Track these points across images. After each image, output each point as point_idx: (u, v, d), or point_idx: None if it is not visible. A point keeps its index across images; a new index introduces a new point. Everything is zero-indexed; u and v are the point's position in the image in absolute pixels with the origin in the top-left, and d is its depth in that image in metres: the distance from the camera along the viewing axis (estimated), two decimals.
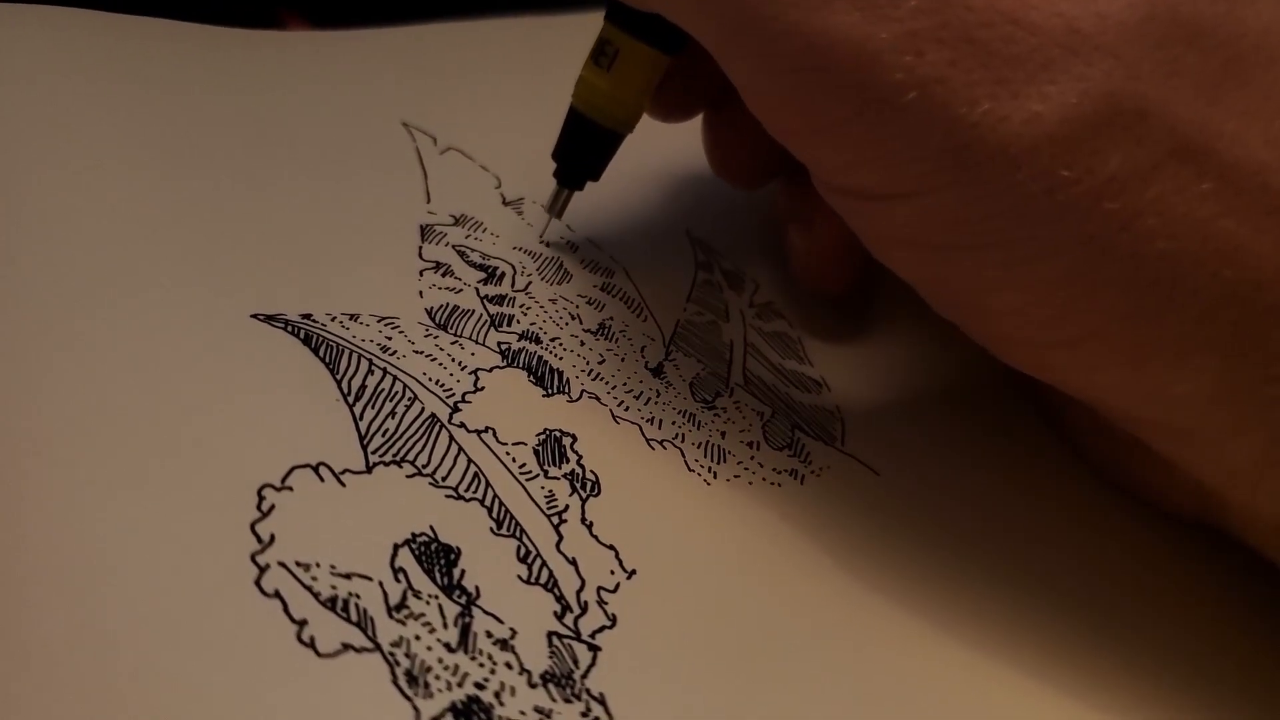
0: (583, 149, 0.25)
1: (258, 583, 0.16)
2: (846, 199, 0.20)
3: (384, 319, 0.21)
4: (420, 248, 0.24)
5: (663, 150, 0.30)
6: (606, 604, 0.18)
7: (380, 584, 0.17)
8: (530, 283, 0.24)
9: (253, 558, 0.17)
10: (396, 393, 0.20)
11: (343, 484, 0.18)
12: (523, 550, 0.18)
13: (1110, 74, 0.17)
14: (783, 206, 0.27)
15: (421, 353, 0.21)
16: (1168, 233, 0.18)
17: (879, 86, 0.18)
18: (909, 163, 0.18)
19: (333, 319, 0.21)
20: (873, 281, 0.29)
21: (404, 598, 0.17)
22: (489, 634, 0.17)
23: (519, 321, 0.23)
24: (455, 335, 0.22)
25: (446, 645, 0.17)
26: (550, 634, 0.17)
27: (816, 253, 0.26)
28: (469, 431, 0.20)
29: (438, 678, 0.16)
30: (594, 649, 0.18)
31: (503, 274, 0.24)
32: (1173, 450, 0.21)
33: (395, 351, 0.21)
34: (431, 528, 0.18)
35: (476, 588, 0.18)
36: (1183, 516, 0.24)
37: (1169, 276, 0.18)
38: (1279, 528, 0.21)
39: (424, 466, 0.19)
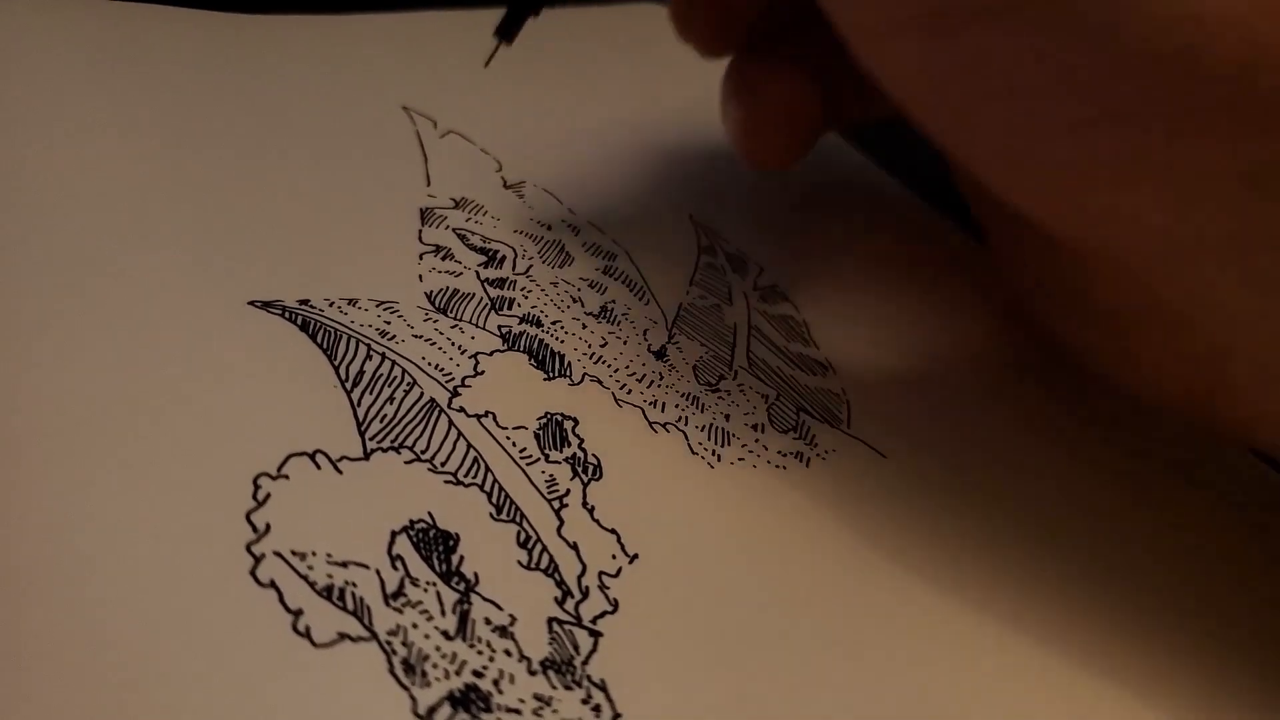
0: None
1: (253, 572, 0.16)
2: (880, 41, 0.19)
3: (383, 303, 0.21)
4: (420, 231, 0.23)
5: (665, 133, 0.30)
6: (608, 589, 0.18)
7: (377, 572, 0.17)
8: (531, 266, 0.24)
9: (248, 547, 0.16)
10: (395, 378, 0.20)
11: (339, 471, 0.18)
12: (523, 535, 0.18)
13: None
14: (726, 86, 0.26)
15: (421, 337, 0.21)
16: None
17: None
18: None
19: (331, 304, 0.21)
20: (880, 259, 0.29)
21: (401, 585, 0.17)
22: (488, 621, 0.17)
23: (520, 305, 0.23)
24: (455, 319, 0.22)
25: (444, 633, 0.16)
26: (550, 620, 0.17)
27: (757, 123, 0.25)
28: (469, 416, 0.20)
29: (435, 666, 0.16)
30: (595, 635, 0.17)
31: (503, 257, 0.24)
32: (1196, 274, 0.19)
33: (394, 336, 0.21)
34: (430, 514, 0.18)
35: (475, 574, 0.17)
36: (1166, 401, 0.23)
37: (1199, 37, 0.17)
38: None
39: (423, 452, 0.19)
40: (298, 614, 0.16)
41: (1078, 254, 0.22)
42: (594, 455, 0.20)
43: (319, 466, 0.18)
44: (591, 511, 0.19)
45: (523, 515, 0.19)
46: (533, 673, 0.16)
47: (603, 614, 0.18)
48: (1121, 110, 0.18)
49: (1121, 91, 0.18)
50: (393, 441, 0.19)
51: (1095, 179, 0.19)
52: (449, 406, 0.20)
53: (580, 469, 0.20)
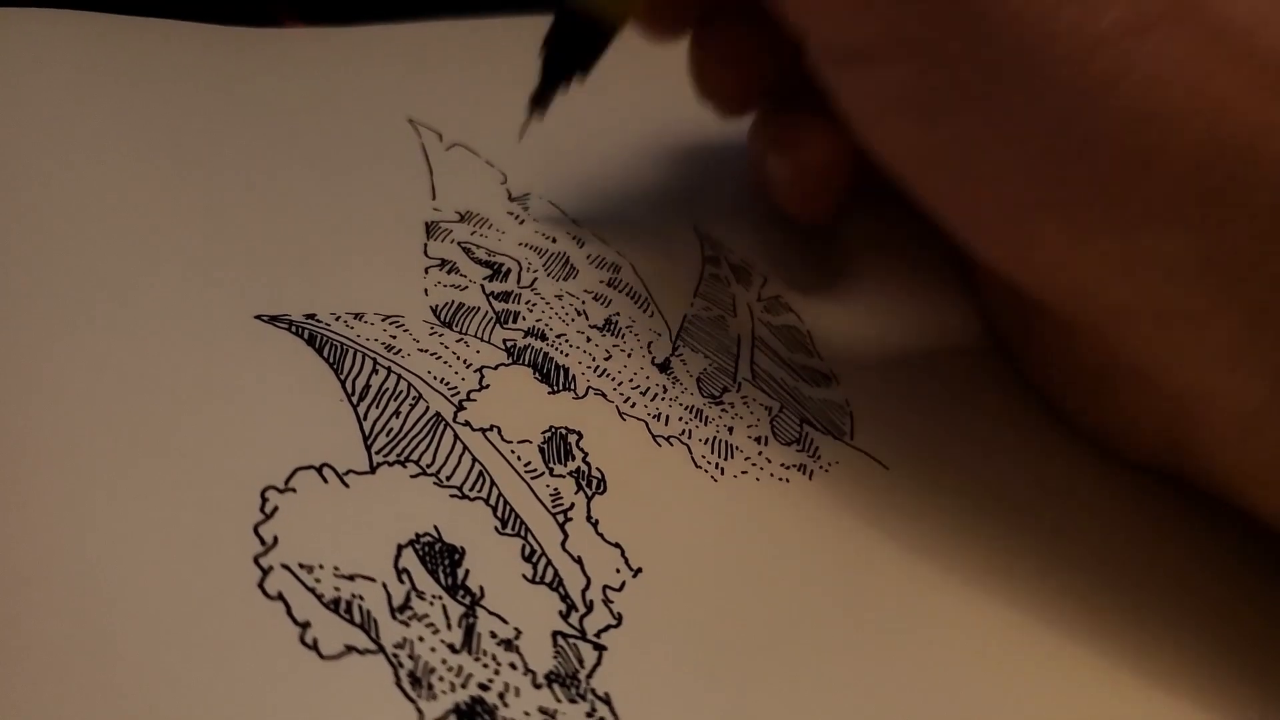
0: (574, 43, 0.24)
1: (261, 585, 0.16)
2: (843, 67, 0.21)
3: (388, 317, 0.21)
4: (425, 245, 0.24)
5: (669, 146, 0.30)
6: (612, 603, 0.18)
7: (384, 585, 0.17)
8: (536, 279, 0.24)
9: (256, 560, 0.16)
10: (401, 392, 0.20)
11: (346, 485, 0.18)
12: (527, 549, 0.18)
13: None
14: (762, 138, 0.27)
15: (426, 351, 0.21)
16: (1159, 89, 0.18)
17: None
18: (910, 11, 0.19)
19: (337, 318, 0.21)
20: (884, 271, 0.29)
21: (407, 599, 0.17)
22: (493, 634, 0.17)
23: (525, 318, 0.23)
24: (460, 333, 0.22)
25: (450, 646, 0.17)
26: (555, 634, 0.17)
27: (801, 178, 0.26)
28: (474, 430, 0.20)
29: (441, 679, 0.16)
30: (599, 648, 0.17)
31: (508, 270, 0.24)
32: (1152, 344, 0.21)
33: (400, 350, 0.21)
34: (436, 528, 0.18)
35: (481, 588, 0.17)
36: (1146, 458, 0.24)
37: (1160, 132, 0.18)
38: (1254, 414, 0.20)
39: (428, 466, 0.19)
40: (305, 626, 0.16)
41: (1057, 315, 0.23)
42: (598, 469, 0.20)
43: (326, 480, 0.18)
44: (596, 525, 0.19)
45: (527, 529, 0.19)
46: (538, 686, 0.17)
47: (607, 628, 0.18)
48: (1076, 200, 0.19)
49: (1083, 180, 0.19)
50: (399, 455, 0.19)
51: (1059, 257, 0.20)
52: (454, 420, 0.20)
53: (584, 482, 0.20)
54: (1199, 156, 0.18)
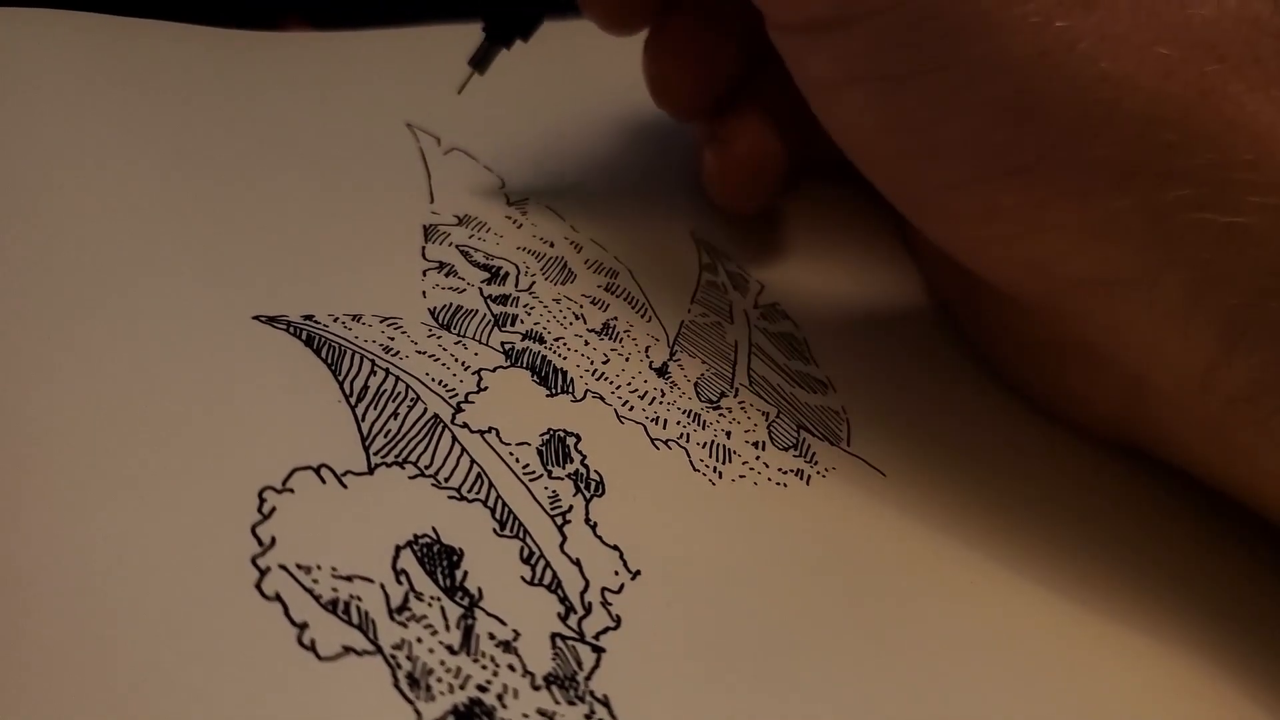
0: (516, 2, 0.24)
1: (258, 586, 0.16)
2: (802, 36, 0.22)
3: (386, 319, 0.21)
4: (423, 248, 0.24)
5: (668, 151, 0.30)
6: (610, 605, 0.18)
7: (382, 586, 0.17)
8: (534, 283, 0.24)
9: (253, 560, 0.16)
10: (399, 393, 0.20)
11: (344, 485, 0.18)
12: (526, 551, 0.18)
13: None
14: (701, 132, 0.28)
15: (424, 353, 0.21)
16: (1109, 54, 0.19)
17: None
18: None
19: (335, 320, 0.21)
20: (880, 279, 0.29)
21: (406, 600, 0.17)
22: (492, 636, 0.17)
23: (523, 321, 0.23)
24: (458, 335, 0.22)
25: (449, 647, 0.16)
26: (554, 635, 0.17)
27: (730, 172, 0.27)
28: (472, 432, 0.20)
29: (439, 680, 0.16)
30: (598, 650, 0.17)
31: (506, 274, 0.24)
32: (1103, 314, 0.22)
33: (398, 352, 0.21)
34: (434, 529, 0.18)
35: (479, 589, 0.17)
36: (1099, 430, 0.25)
37: (1109, 96, 0.19)
38: (1203, 375, 0.21)
39: (426, 467, 0.19)
40: (303, 627, 0.16)
41: (1006, 294, 0.23)
42: (596, 472, 0.20)
43: (324, 481, 0.18)
44: (594, 528, 0.19)
45: (526, 531, 0.19)
46: (536, 688, 0.17)
47: (605, 630, 0.18)
48: (1033, 165, 0.20)
49: (1040, 145, 0.20)
50: (397, 456, 0.19)
51: (1015, 230, 0.21)
52: (452, 422, 0.20)
53: (583, 485, 0.20)
54: (1147, 115, 0.19)
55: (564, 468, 0.20)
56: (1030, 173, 0.20)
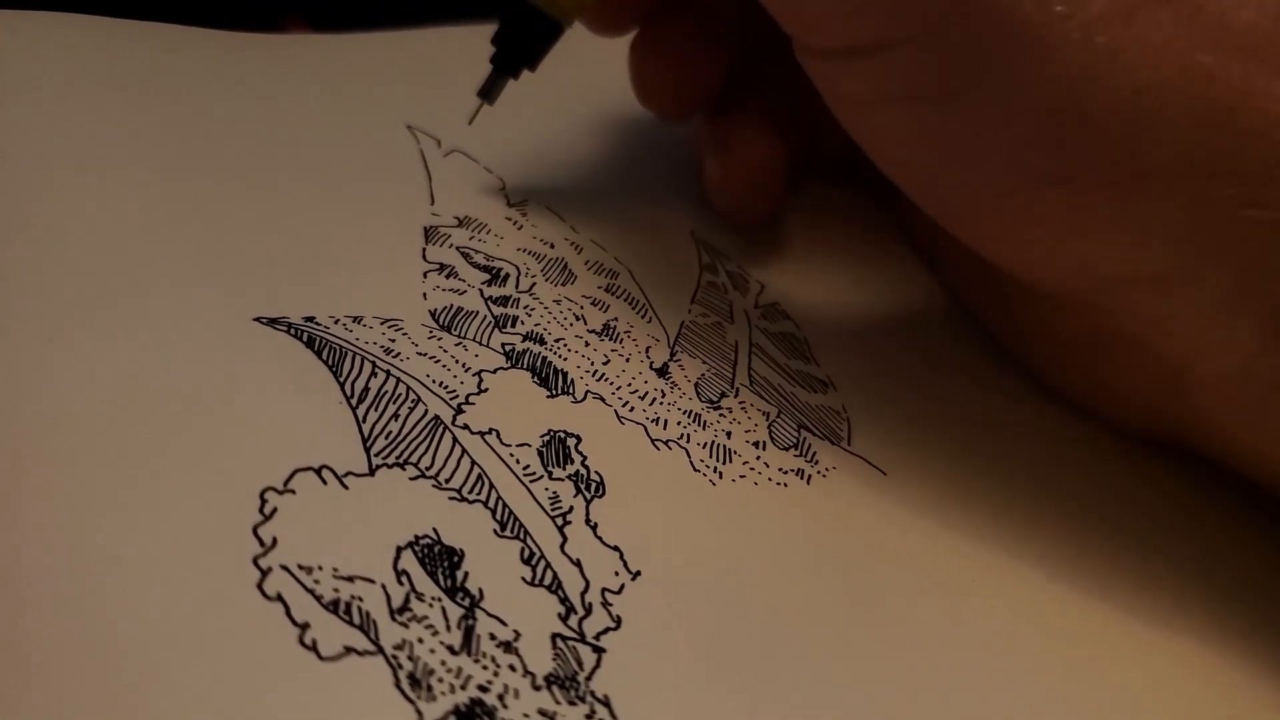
0: (524, 35, 0.24)
1: (260, 586, 0.16)
2: (834, 60, 0.21)
3: (387, 321, 0.21)
4: (424, 249, 0.24)
5: (667, 152, 0.30)
6: (611, 606, 0.18)
7: (383, 586, 0.17)
8: (534, 284, 0.24)
9: (255, 561, 0.16)
10: (400, 395, 0.20)
11: (345, 486, 0.18)
12: (526, 552, 0.18)
13: None
14: (702, 139, 0.28)
15: (425, 354, 0.21)
16: (1150, 64, 0.19)
17: None
18: (911, 5, 0.20)
19: (336, 321, 0.21)
20: (880, 278, 0.29)
21: (407, 600, 0.17)
22: (492, 636, 0.17)
23: (523, 323, 0.23)
24: (459, 337, 0.22)
25: (450, 648, 0.16)
26: (554, 636, 0.17)
27: (734, 180, 0.27)
28: (472, 433, 0.20)
29: (440, 680, 0.16)
30: (599, 651, 0.17)
31: (507, 275, 0.24)
32: (1146, 309, 0.22)
33: (398, 353, 0.21)
34: (435, 530, 0.18)
35: (480, 590, 0.17)
36: (1135, 425, 0.25)
37: (1152, 105, 0.19)
38: (1245, 365, 0.21)
39: (427, 469, 0.19)
40: (304, 627, 0.16)
41: (1042, 293, 0.23)
42: (597, 472, 0.20)
43: (325, 482, 0.18)
44: (595, 528, 0.19)
45: (526, 532, 0.19)
46: (537, 688, 0.17)
47: (606, 630, 0.18)
48: (1076, 175, 0.20)
49: (1084, 151, 0.20)
50: (398, 458, 0.19)
51: (1060, 232, 0.21)
52: (453, 423, 0.20)
53: (583, 486, 0.20)
54: (1191, 121, 0.19)
55: (564, 468, 0.20)
56: (1074, 182, 0.20)
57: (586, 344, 0.23)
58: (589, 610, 0.18)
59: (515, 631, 0.17)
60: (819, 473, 0.22)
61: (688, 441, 0.22)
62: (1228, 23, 0.19)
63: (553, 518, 0.19)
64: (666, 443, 0.22)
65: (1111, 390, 0.25)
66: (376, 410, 0.19)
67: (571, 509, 0.19)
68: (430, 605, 0.17)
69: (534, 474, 0.20)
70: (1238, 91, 0.19)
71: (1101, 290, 0.22)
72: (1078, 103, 0.19)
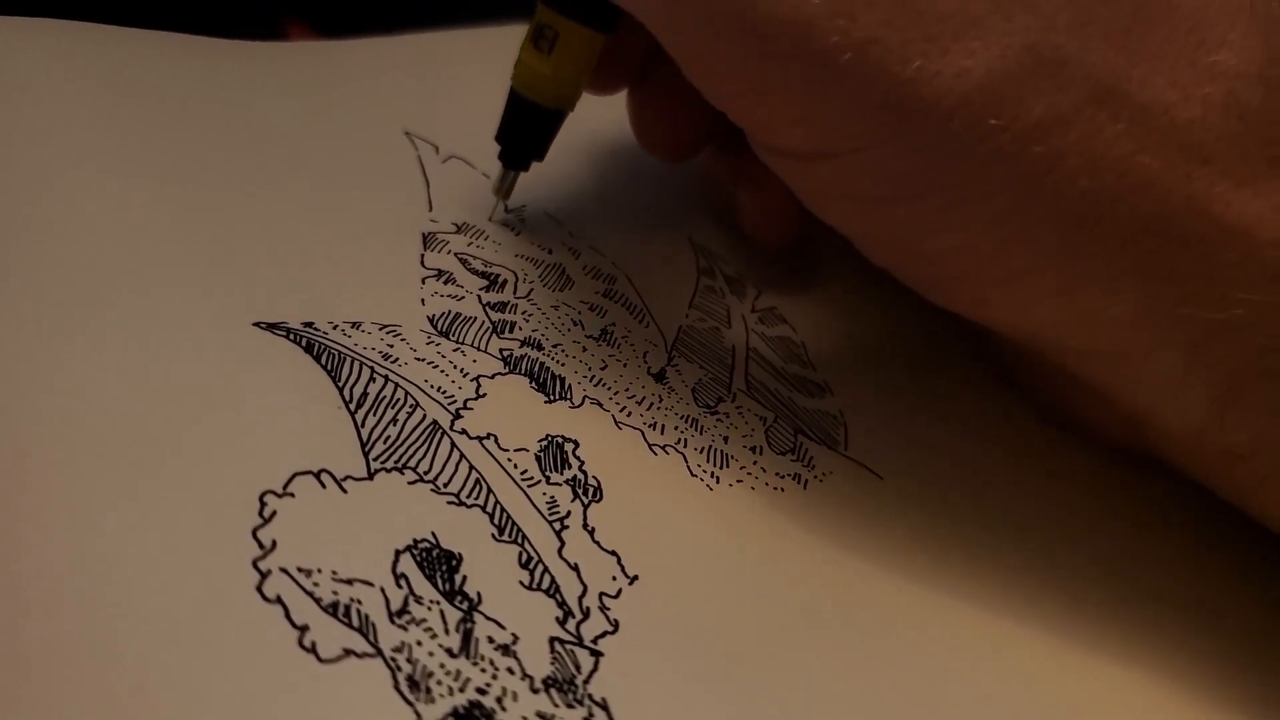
0: (527, 130, 0.25)
1: (259, 589, 0.16)
2: (786, 159, 0.22)
3: (386, 326, 0.21)
4: (422, 255, 0.24)
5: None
6: (609, 609, 0.18)
7: (382, 590, 0.17)
8: (532, 289, 0.24)
9: (254, 564, 0.17)
10: (398, 400, 0.20)
11: (344, 490, 0.18)
12: (524, 556, 0.18)
13: (1029, 28, 0.19)
14: (729, 173, 0.28)
15: (423, 360, 0.21)
16: (1089, 170, 0.19)
17: (816, 50, 0.19)
18: (848, 120, 0.20)
19: (335, 326, 0.21)
20: (877, 282, 0.29)
21: (405, 603, 0.17)
22: (491, 639, 0.17)
23: (521, 328, 0.23)
24: (457, 342, 0.22)
25: (448, 651, 0.17)
26: (552, 639, 0.17)
27: (769, 212, 0.27)
28: (470, 438, 0.20)
29: (439, 683, 0.16)
30: (596, 654, 0.18)
31: (505, 281, 0.24)
32: (1102, 374, 0.22)
33: (397, 359, 0.21)
34: (433, 534, 0.18)
35: (478, 593, 0.18)
36: (1115, 443, 0.25)
37: (1092, 212, 0.19)
38: (1199, 432, 0.22)
39: (425, 473, 0.19)
40: (303, 630, 0.16)
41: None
42: (594, 477, 0.20)
43: (324, 485, 0.18)
44: (592, 533, 0.19)
45: (524, 536, 0.19)
46: (535, 691, 0.17)
47: (603, 634, 0.18)
48: (1021, 274, 0.20)
49: (1027, 256, 0.20)
50: (396, 462, 0.19)
51: (1009, 318, 0.22)
52: (451, 428, 0.20)
53: (581, 491, 0.20)
54: (1132, 226, 0.19)
55: (562, 473, 0.20)
56: (1019, 280, 0.20)
57: (584, 349, 0.23)
58: (587, 614, 0.18)
59: (513, 635, 0.17)
60: (816, 477, 0.23)
61: (685, 446, 0.22)
62: (1171, 121, 0.19)
63: (550, 522, 0.19)
64: (664, 447, 0.22)
65: (1085, 418, 0.26)
66: (375, 415, 0.20)
67: (569, 513, 0.19)
68: (429, 608, 0.17)
69: (532, 479, 0.20)
70: (1180, 195, 0.19)
71: (1060, 353, 0.22)
72: (1020, 213, 0.19)
